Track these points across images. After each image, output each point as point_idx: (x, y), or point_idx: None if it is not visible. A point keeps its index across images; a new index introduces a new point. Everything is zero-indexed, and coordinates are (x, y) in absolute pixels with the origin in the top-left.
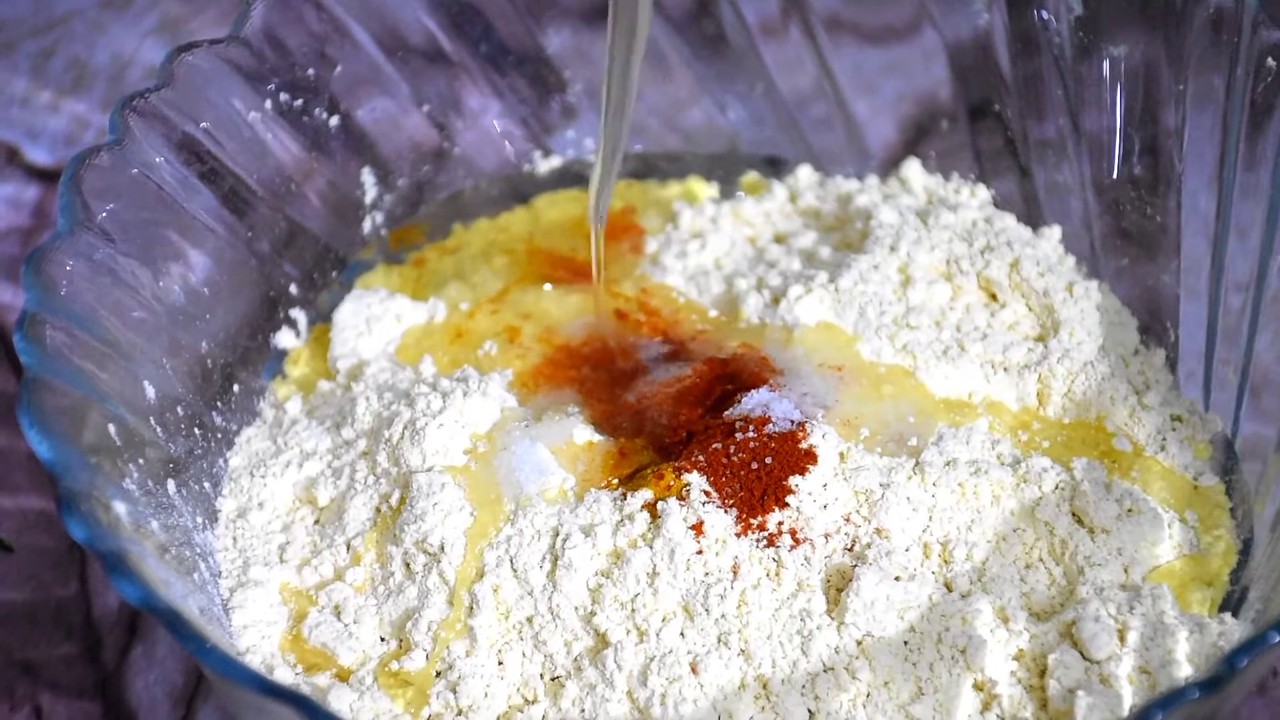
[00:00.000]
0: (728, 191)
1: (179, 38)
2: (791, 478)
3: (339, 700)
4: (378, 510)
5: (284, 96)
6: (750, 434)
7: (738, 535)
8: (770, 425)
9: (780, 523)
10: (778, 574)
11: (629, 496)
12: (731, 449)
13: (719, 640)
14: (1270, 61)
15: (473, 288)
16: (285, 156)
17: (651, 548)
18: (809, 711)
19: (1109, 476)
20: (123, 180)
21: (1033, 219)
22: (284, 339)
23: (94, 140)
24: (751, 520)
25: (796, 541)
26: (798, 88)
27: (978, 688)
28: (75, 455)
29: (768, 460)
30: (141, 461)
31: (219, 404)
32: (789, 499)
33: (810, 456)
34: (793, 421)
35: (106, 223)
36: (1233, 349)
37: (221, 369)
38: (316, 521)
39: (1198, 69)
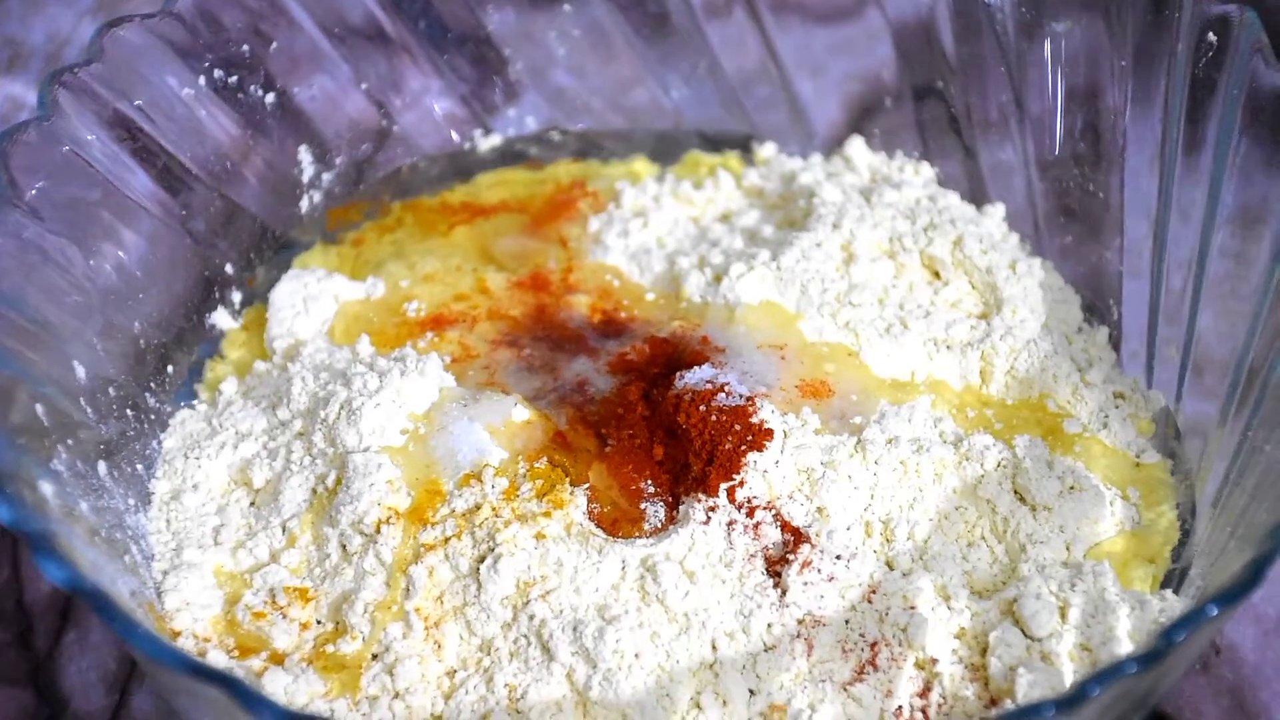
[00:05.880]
0: (670, 170)
1: (115, 15)
2: (749, 454)
3: (273, 683)
4: (314, 491)
5: (218, 73)
6: (701, 408)
7: (681, 511)
8: (719, 398)
9: (728, 499)
10: (722, 552)
11: (568, 478)
12: (680, 421)
13: (660, 619)
14: (1210, 36)
15: (411, 267)
16: (221, 134)
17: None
18: (750, 691)
19: (1051, 454)
20: (52, 157)
21: (976, 197)
22: (220, 319)
23: None
24: (698, 496)
25: (744, 518)
26: (742, 67)
27: (919, 666)
28: (1, 436)
29: (720, 434)
30: (71, 442)
31: (153, 385)
32: (737, 475)
33: (766, 433)
34: (742, 396)
35: (35, 200)
36: (1175, 327)
37: (155, 350)
38: (252, 503)
39: (1139, 45)
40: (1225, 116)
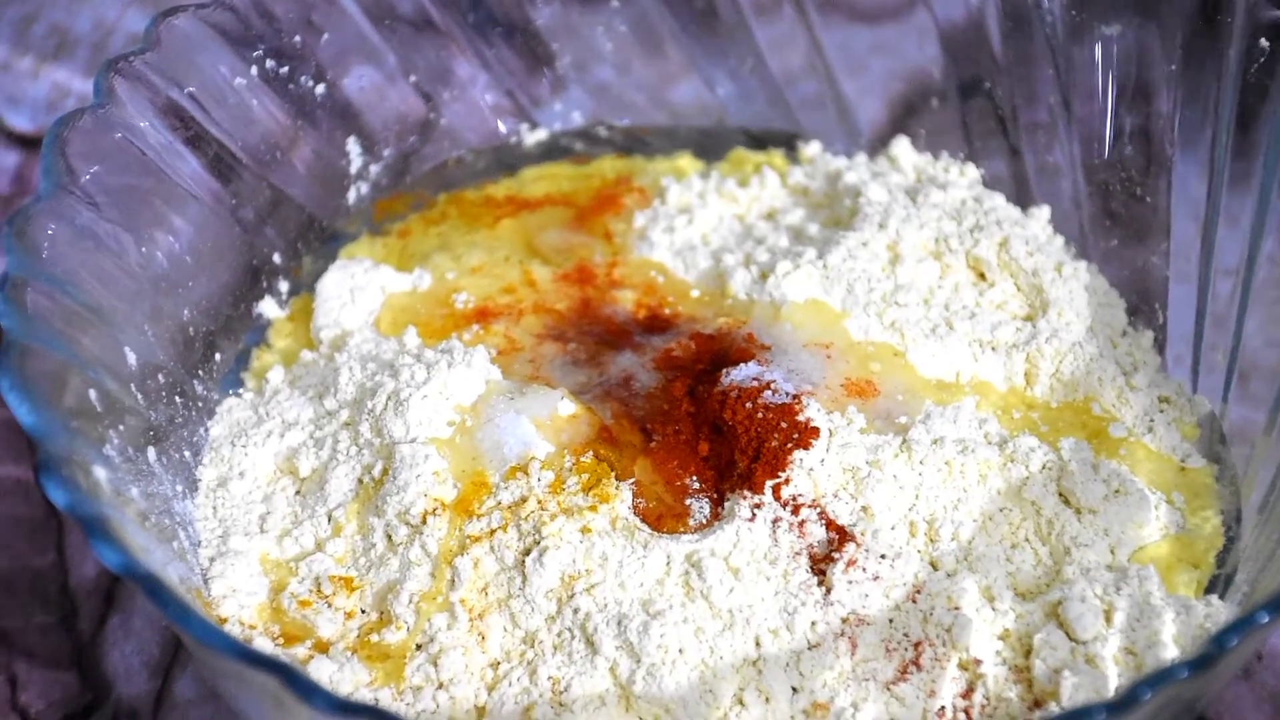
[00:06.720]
0: (715, 167)
1: (161, 5)
2: (795, 452)
3: (318, 671)
4: (359, 481)
5: (270, 63)
6: (747, 405)
7: (726, 508)
8: (765, 395)
9: (774, 496)
10: (767, 549)
11: (613, 472)
12: (726, 418)
13: (704, 615)
14: (1263, 42)
15: (457, 259)
16: (271, 123)
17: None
18: (793, 688)
19: (1096, 457)
20: (106, 144)
21: (1022, 199)
22: (267, 308)
23: (76, 107)
24: (743, 493)
25: (789, 516)
26: (788, 65)
27: (963, 667)
28: (56, 420)
29: (766, 432)
30: (122, 428)
31: (200, 372)
32: (783, 473)
33: (812, 431)
34: (788, 393)
35: (90, 186)
36: (1221, 333)
37: (204, 337)
38: (298, 492)
39: (1190, 50)
40: (1277, 123)
